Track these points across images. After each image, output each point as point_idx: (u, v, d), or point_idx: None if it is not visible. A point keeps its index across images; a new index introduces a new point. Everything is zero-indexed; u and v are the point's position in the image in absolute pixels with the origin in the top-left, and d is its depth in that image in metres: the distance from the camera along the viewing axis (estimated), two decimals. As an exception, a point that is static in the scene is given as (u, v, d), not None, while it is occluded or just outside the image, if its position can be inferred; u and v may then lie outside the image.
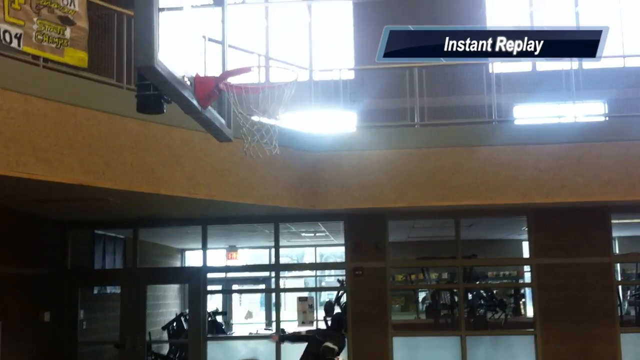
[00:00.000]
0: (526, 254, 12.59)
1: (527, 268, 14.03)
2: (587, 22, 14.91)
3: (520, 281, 17.07)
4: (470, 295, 15.42)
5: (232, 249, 16.62)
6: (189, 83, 5.06)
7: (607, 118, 13.63)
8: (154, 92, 5.11)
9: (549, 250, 11.66)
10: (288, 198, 10.26)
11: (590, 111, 13.64)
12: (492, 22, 15.21)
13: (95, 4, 8.49)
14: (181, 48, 4.96)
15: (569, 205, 10.89)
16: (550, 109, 13.45)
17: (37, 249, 11.08)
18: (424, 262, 15.20)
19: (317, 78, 12.34)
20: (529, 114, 14.41)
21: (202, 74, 5.37)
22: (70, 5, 7.88)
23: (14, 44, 7.29)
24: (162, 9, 4.33)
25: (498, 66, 11.84)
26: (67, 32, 7.82)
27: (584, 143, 10.42)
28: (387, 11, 14.80)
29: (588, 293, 11.47)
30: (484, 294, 16.15)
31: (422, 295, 17.70)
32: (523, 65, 14.88)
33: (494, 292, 16.68)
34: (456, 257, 12.09)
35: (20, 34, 7.34)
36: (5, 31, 7.20)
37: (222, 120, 5.87)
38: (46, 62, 7.84)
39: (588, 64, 13.65)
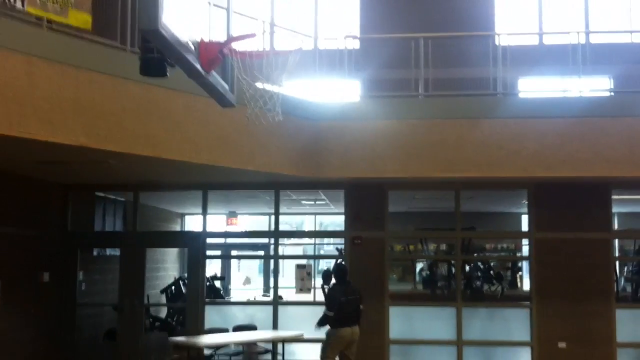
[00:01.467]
0: (525, 227, 12.60)
1: (525, 242, 14.08)
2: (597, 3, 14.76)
3: (518, 254, 17.15)
4: (467, 268, 15.51)
5: (232, 214, 16.65)
6: (193, 47, 5.01)
7: (612, 93, 13.55)
8: (158, 55, 5.07)
9: (548, 225, 11.69)
10: (290, 166, 10.25)
11: (595, 86, 13.55)
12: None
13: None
14: (185, 12, 4.91)
15: (570, 180, 10.89)
16: (555, 83, 13.37)
17: (37, 211, 11.11)
18: (423, 233, 15.25)
19: (322, 46, 12.23)
20: (534, 87, 14.32)
21: (206, 39, 5.32)
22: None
23: (18, 4, 7.23)
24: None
25: (504, 39, 11.75)
26: None
27: (587, 118, 10.36)
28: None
29: (585, 268, 11.53)
30: (482, 267, 16.26)
31: (419, 266, 17.81)
32: (529, 39, 14.76)
33: (492, 264, 16.78)
34: (455, 229, 12.12)
35: (24, -4, 7.27)
36: (8, -7, 7.13)
37: (226, 86, 5.84)
38: (50, 24, 7.77)
39: (595, 38, 13.58)
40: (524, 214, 12.90)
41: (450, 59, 11.65)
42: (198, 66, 5.13)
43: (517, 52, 12.33)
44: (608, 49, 13.29)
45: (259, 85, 5.99)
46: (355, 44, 13.29)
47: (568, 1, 14.99)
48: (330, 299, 9.93)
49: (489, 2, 14.71)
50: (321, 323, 9.93)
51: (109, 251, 13.57)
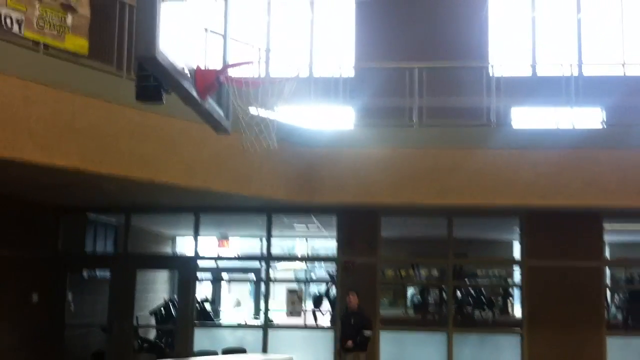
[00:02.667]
0: (517, 255, 12.63)
1: (516, 268, 14.08)
2: (589, 30, 14.92)
3: (509, 281, 17.14)
4: (459, 293, 15.46)
5: (223, 237, 16.61)
6: (189, 74, 5.03)
7: (605, 126, 13.65)
8: (154, 82, 5.08)
9: (539, 252, 11.73)
10: (284, 191, 10.26)
11: (588, 118, 13.65)
12: (494, 23, 15.17)
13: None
14: (182, 39, 4.93)
15: (563, 208, 10.92)
16: (548, 114, 13.46)
17: (28, 232, 11.05)
18: (415, 259, 15.23)
19: (317, 74, 12.30)
20: (527, 118, 14.42)
21: (202, 66, 5.34)
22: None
23: (15, 29, 7.25)
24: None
25: (498, 69, 11.84)
26: (69, 19, 7.79)
27: (580, 149, 10.45)
28: (389, 10, 14.74)
29: (577, 296, 11.54)
30: (473, 293, 16.21)
31: (411, 291, 17.74)
32: (523, 69, 14.87)
33: (483, 290, 16.74)
34: (447, 256, 12.12)
35: (22, 19, 7.30)
36: (6, 16, 7.16)
37: (221, 112, 5.86)
38: (47, 49, 7.79)
39: (588, 70, 13.71)
40: (516, 241, 12.92)
41: (444, 88, 11.72)
42: (194, 93, 5.15)
43: (511, 82, 12.42)
44: (600, 81, 13.42)
45: (254, 112, 6.01)
46: (350, 72, 13.38)
47: (561, 33, 15.15)
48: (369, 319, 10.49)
49: (482, 32, 14.83)
50: (364, 345, 10.23)
51: (99, 273, 13.48)
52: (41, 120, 7.42)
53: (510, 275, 16.90)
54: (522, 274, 12.03)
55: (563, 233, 11.63)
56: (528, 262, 11.81)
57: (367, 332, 10.38)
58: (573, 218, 11.46)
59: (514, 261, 14.01)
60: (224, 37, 5.82)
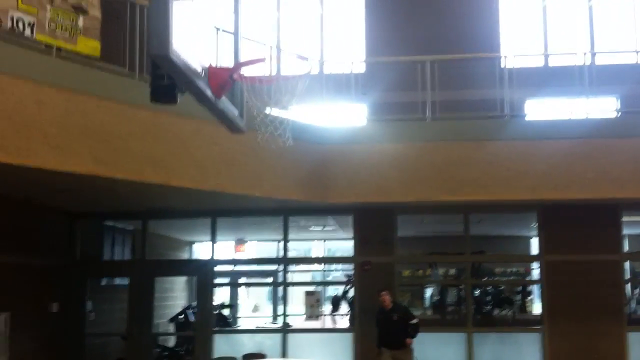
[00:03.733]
0: (534, 251, 12.54)
1: (534, 265, 14.00)
2: (601, 18, 14.84)
3: (528, 278, 17.04)
4: (477, 292, 15.38)
5: (240, 241, 16.61)
6: (202, 73, 5.03)
7: (619, 114, 13.55)
8: (168, 81, 5.08)
9: (558, 247, 11.63)
10: (297, 191, 10.25)
11: (602, 107, 13.56)
12: (505, 13, 15.10)
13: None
14: (194, 38, 4.94)
15: (579, 201, 10.84)
16: (562, 104, 13.39)
17: (46, 240, 11.11)
18: (432, 257, 15.16)
19: (328, 71, 12.29)
20: (540, 109, 14.34)
21: (215, 64, 5.35)
22: (85, -6, 7.88)
23: (27, 32, 7.30)
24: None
25: (510, 60, 11.79)
26: (80, 21, 7.83)
27: (594, 139, 10.37)
28: (399, 3, 14.73)
29: (596, 290, 11.44)
30: (492, 291, 16.11)
31: (429, 291, 17.67)
32: (535, 60, 14.80)
33: (501, 288, 16.64)
34: (464, 253, 12.06)
35: (34, 22, 7.35)
36: (18, 19, 7.21)
37: (235, 111, 5.85)
38: (59, 51, 7.83)
39: (601, 59, 13.62)
40: (534, 237, 12.83)
41: (457, 81, 11.67)
42: (208, 92, 5.15)
43: (523, 73, 12.38)
44: (614, 70, 13.30)
45: (268, 110, 6.01)
46: (362, 68, 13.35)
47: (573, 22, 15.06)
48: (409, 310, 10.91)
49: (493, 23, 14.79)
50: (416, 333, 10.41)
51: (117, 280, 13.52)
52: (54, 123, 7.46)
53: (529, 272, 16.81)
54: (540, 270, 11.94)
55: (580, 226, 11.53)
56: (546, 257, 11.72)
57: (414, 321, 10.50)
58: (590, 210, 11.36)
59: (532, 257, 13.94)
60: (235, 34, 5.81)
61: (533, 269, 15.75)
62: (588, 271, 11.48)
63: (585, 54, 11.41)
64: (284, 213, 12.07)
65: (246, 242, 16.82)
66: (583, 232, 11.54)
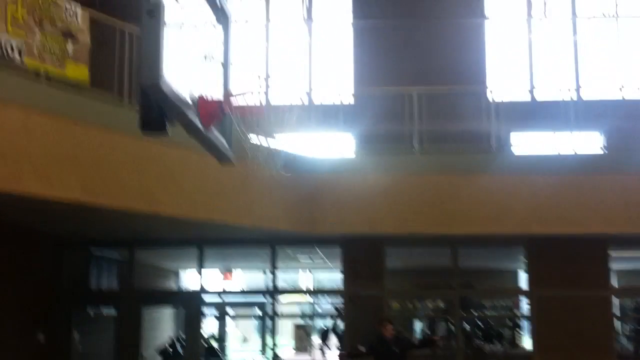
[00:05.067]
0: (523, 284, 12.52)
1: (523, 298, 13.96)
2: (586, 50, 15.04)
3: (517, 312, 16.97)
4: (467, 326, 15.30)
5: (227, 269, 16.54)
6: (192, 103, 5.05)
7: (605, 150, 13.65)
8: (158, 111, 5.08)
9: (547, 282, 11.62)
10: (286, 221, 10.25)
11: (588, 142, 13.67)
12: (491, 55, 15.28)
13: (98, 18, 8.53)
14: (184, 67, 4.97)
15: (567, 236, 10.87)
16: (548, 139, 13.47)
17: (32, 268, 11.00)
18: (422, 291, 15.10)
19: (317, 101, 12.38)
20: (526, 142, 14.44)
21: (204, 94, 5.37)
22: (72, 19, 7.91)
23: (16, 56, 7.30)
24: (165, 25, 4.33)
25: (497, 94, 11.90)
26: (69, 46, 7.85)
27: (582, 174, 10.44)
28: (387, 36, 14.88)
29: (586, 326, 11.40)
30: (481, 325, 16.03)
31: (418, 325, 17.56)
32: (521, 94, 14.94)
33: (491, 323, 16.56)
34: (453, 286, 12.03)
35: (23, 47, 7.36)
36: (7, 43, 7.21)
37: (224, 142, 5.85)
38: (48, 77, 7.84)
39: (586, 94, 13.75)
40: (522, 270, 12.82)
41: (444, 114, 11.75)
42: (198, 122, 5.16)
43: (510, 107, 12.49)
44: (599, 105, 13.44)
45: (257, 140, 6.03)
46: (350, 98, 13.43)
47: (559, 57, 15.24)
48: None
49: (480, 57, 14.96)
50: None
51: (105, 310, 13.39)
52: (42, 150, 7.45)
53: (517, 305, 16.74)
54: (530, 304, 11.91)
55: (569, 261, 11.54)
56: (535, 292, 11.70)
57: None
58: (578, 245, 11.38)
59: (521, 291, 13.90)
60: (225, 65, 5.85)
61: (522, 302, 15.69)
62: (577, 306, 11.46)
63: (570, 89, 11.54)
64: (272, 243, 12.03)
65: (234, 270, 16.74)
66: (572, 267, 11.54)
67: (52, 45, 7.68)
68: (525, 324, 15.98)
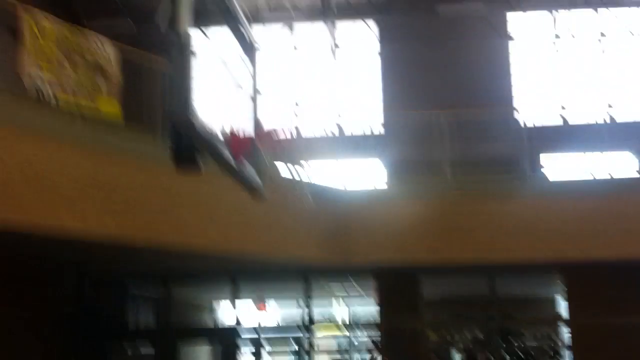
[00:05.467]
0: (563, 311, 12.27)
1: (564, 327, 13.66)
2: (613, 69, 14.90)
3: (556, 340, 16.61)
4: (507, 356, 14.99)
5: (261, 299, 16.50)
6: (223, 137, 5.10)
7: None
8: (189, 147, 5.13)
9: (587, 309, 11.37)
10: (318, 252, 10.22)
11: (622, 164, 13.47)
12: (519, 77, 15.23)
13: (128, 51, 8.69)
14: (214, 101, 5.03)
15: (605, 261, 10.64)
16: (582, 162, 13.31)
17: (67, 306, 11.04)
18: (460, 321, 14.87)
19: (346, 129, 12.41)
20: (559, 166, 14.28)
21: (236, 128, 5.42)
22: (102, 53, 8.07)
23: (48, 92, 7.45)
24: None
25: (528, 118, 11.82)
26: (100, 80, 7.99)
27: (617, 197, 10.28)
28: (414, 62, 14.93)
29: (629, 354, 11.09)
30: (521, 355, 15.70)
31: (457, 357, 17.26)
32: (553, 117, 14.81)
33: (532, 353, 16.22)
34: (492, 316, 11.82)
35: (55, 83, 7.51)
36: (39, 79, 7.38)
37: (255, 174, 5.89)
38: (81, 114, 7.96)
39: (618, 115, 13.59)
40: (561, 298, 12.57)
41: (474, 137, 11.69)
42: (229, 156, 5.20)
43: (541, 129, 12.39)
44: (631, 126, 13.27)
45: (288, 172, 6.07)
46: (379, 127, 13.45)
47: (588, 78, 15.11)
48: None
49: (508, 79, 14.89)
50: None
51: (142, 349, 13.37)
52: (75, 185, 7.55)
53: (558, 334, 16.40)
54: (570, 333, 11.65)
55: (609, 287, 11.26)
56: (575, 319, 11.45)
57: None
58: (617, 270, 11.11)
59: (561, 319, 13.61)
60: (254, 96, 5.91)
61: (562, 332, 15.37)
62: (619, 334, 11.17)
63: (602, 111, 11.43)
64: (306, 274, 11.97)
65: (268, 300, 16.68)
66: (612, 293, 11.27)
67: (83, 79, 7.82)
68: (566, 353, 15.63)
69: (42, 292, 10.25)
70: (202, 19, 4.58)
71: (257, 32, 12.44)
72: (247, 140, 5.42)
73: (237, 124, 5.55)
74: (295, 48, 15.90)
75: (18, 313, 9.57)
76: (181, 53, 4.18)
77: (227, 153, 5.14)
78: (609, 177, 11.11)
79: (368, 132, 11.65)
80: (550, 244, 10.21)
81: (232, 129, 5.37)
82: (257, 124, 5.76)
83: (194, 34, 4.24)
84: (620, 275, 11.20)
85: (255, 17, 14.92)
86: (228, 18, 5.31)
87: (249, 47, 5.82)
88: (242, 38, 5.62)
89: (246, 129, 5.56)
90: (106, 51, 8.17)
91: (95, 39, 8.12)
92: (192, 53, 4.20)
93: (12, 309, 9.44)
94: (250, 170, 5.72)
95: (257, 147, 5.73)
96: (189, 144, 5.08)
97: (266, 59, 15.41)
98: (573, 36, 15.27)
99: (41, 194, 7.25)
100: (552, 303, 15.72)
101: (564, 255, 10.28)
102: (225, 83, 5.37)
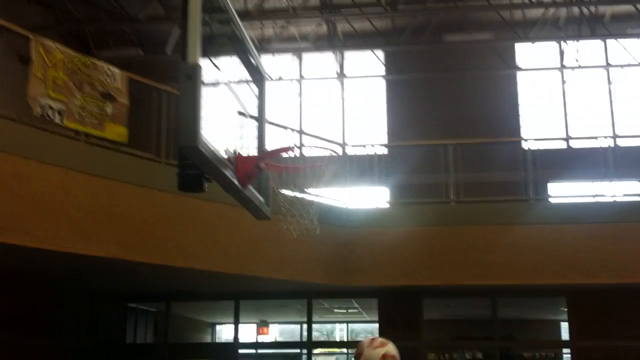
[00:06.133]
0: (564, 334, 12.20)
1: (565, 350, 13.59)
2: (620, 97, 14.93)
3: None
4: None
5: (263, 324, 16.41)
6: (229, 162, 5.08)
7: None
8: (195, 171, 5.12)
9: (588, 332, 11.30)
10: (321, 274, 10.19)
11: (626, 190, 13.45)
12: (524, 100, 15.25)
13: (136, 79, 8.70)
14: (221, 126, 5.01)
15: (608, 286, 10.60)
16: (586, 187, 13.29)
17: (68, 321, 11.02)
18: (461, 342, 14.80)
19: (351, 153, 12.41)
20: (564, 192, 14.27)
21: (241, 152, 5.40)
22: (111, 81, 8.09)
23: (57, 119, 7.47)
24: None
25: (532, 143, 11.82)
26: (108, 108, 8.01)
27: (621, 223, 10.24)
28: (419, 88, 14.95)
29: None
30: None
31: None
32: (557, 143, 14.83)
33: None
34: (493, 338, 11.77)
35: (63, 110, 7.53)
36: (48, 107, 7.39)
37: (261, 199, 5.86)
38: (87, 138, 7.99)
39: (623, 141, 13.59)
40: (563, 320, 12.51)
41: (479, 164, 11.69)
42: (235, 181, 5.18)
43: (546, 155, 12.37)
44: (636, 152, 13.25)
45: (293, 195, 6.03)
46: (384, 150, 13.46)
47: (593, 105, 15.15)
48: None
49: (513, 105, 14.90)
50: None
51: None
52: (80, 208, 7.56)
53: (559, 356, 16.32)
54: (572, 356, 11.58)
55: (611, 311, 11.21)
56: (577, 343, 11.39)
57: None
58: (620, 295, 11.07)
59: (562, 343, 13.55)
60: (260, 123, 5.89)
61: (564, 353, 15.29)
62: (620, 358, 11.10)
63: (606, 137, 11.43)
64: (308, 296, 11.94)
65: (269, 324, 16.61)
66: (614, 317, 11.21)
67: (91, 107, 7.84)
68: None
69: (46, 312, 10.21)
70: (213, 49, 4.55)
71: (266, 61, 12.47)
72: (253, 165, 5.38)
73: (243, 149, 5.52)
74: (302, 76, 16.00)
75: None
76: (190, 80, 4.16)
77: (233, 178, 5.12)
78: (613, 202, 11.05)
79: (374, 159, 11.63)
80: (554, 268, 10.16)
81: (238, 154, 5.34)
82: (263, 149, 5.73)
83: (204, 63, 4.21)
84: (622, 300, 11.15)
85: (265, 47, 14.99)
86: (237, 48, 5.30)
87: (257, 73, 5.81)
88: (250, 64, 5.61)
89: (252, 153, 5.54)
90: (116, 79, 8.19)
91: (105, 68, 8.14)
92: (202, 83, 4.18)
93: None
94: (254, 193, 5.69)
95: (263, 170, 5.70)
96: (195, 169, 5.07)
97: (275, 87, 15.53)
98: (579, 65, 15.31)
99: (45, 217, 7.25)
100: (555, 326, 15.66)
101: (567, 279, 10.22)
102: (232, 107, 5.35)
